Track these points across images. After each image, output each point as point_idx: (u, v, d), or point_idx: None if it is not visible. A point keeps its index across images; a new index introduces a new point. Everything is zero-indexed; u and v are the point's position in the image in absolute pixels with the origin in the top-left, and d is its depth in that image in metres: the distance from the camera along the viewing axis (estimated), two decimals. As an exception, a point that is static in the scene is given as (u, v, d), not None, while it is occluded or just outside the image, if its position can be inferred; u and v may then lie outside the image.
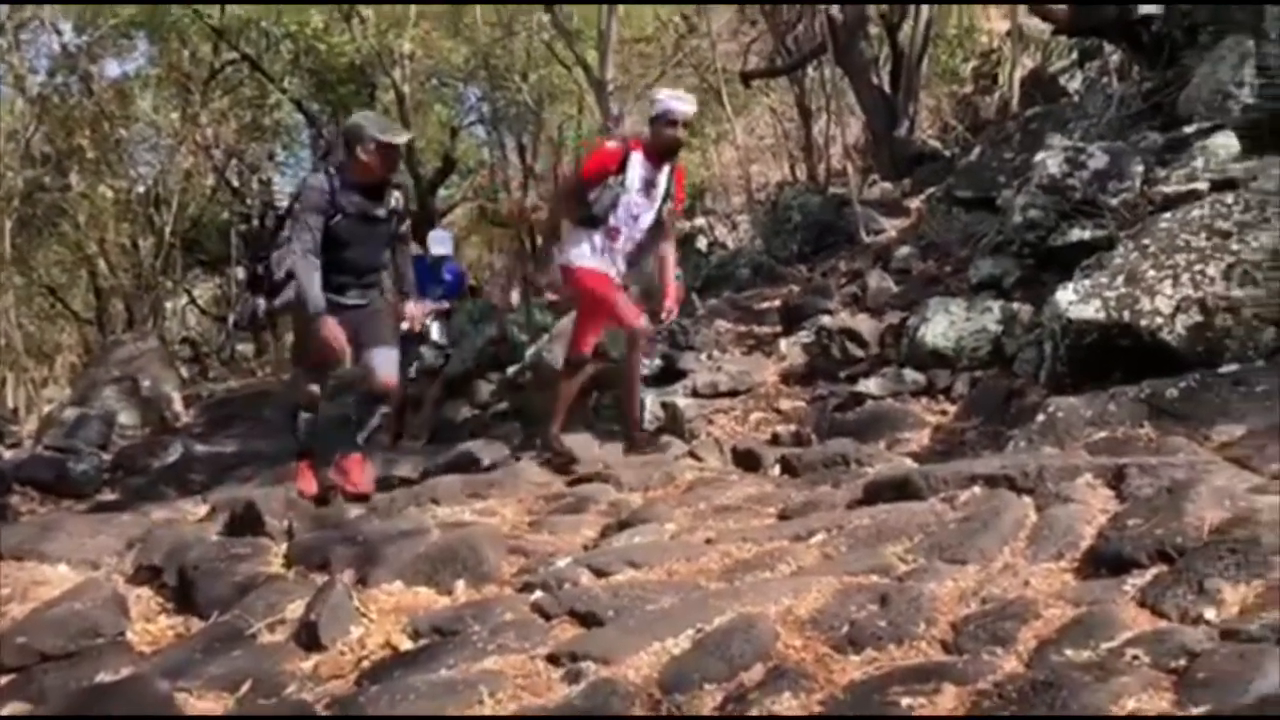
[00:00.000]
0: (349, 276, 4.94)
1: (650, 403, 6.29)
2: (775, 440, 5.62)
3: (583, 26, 14.84)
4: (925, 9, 11.23)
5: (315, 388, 5.23)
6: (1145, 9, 7.66)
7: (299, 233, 4.77)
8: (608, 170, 5.25)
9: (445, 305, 8.74)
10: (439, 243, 9.08)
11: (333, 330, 4.76)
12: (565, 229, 5.59)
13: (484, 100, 19.24)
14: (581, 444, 5.99)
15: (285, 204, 5.24)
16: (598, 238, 5.35)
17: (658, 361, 6.83)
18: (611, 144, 5.45)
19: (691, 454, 5.60)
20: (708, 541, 3.87)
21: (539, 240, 20.64)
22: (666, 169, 5.36)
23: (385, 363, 5.04)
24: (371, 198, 4.89)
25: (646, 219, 5.37)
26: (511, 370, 8.79)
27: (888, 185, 11.47)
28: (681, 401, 6.18)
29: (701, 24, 17.98)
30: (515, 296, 18.16)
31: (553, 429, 5.65)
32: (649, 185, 5.31)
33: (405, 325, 5.40)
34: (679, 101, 5.31)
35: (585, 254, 5.37)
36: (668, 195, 5.41)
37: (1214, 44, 6.35)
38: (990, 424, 5.11)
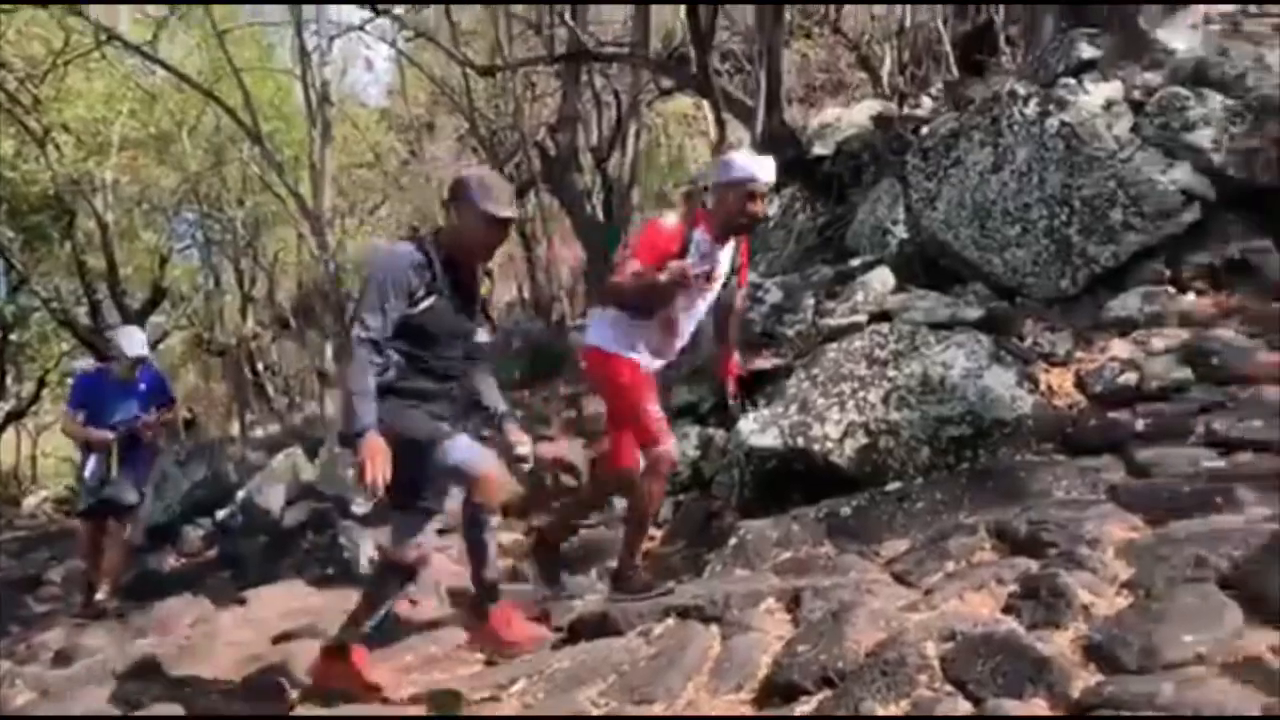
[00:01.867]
0: (431, 382, 3.74)
1: (367, 545, 6.15)
2: (491, 577, 5.61)
3: (299, 154, 14.69)
4: (630, 145, 11.88)
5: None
6: (819, 150, 8.46)
7: (367, 313, 3.52)
8: (669, 255, 4.16)
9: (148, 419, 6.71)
10: (132, 340, 6.68)
11: (376, 454, 3.42)
12: (601, 311, 4.44)
13: (196, 227, 18.55)
14: (284, 593, 5.77)
15: None
16: (651, 333, 4.33)
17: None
18: (669, 220, 4.31)
19: (408, 599, 5.50)
20: (410, 699, 3.80)
21: (260, 367, 19.94)
22: (732, 244, 4.38)
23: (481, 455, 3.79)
24: (468, 281, 3.78)
25: (705, 305, 4.43)
26: (222, 514, 8.36)
27: (606, 308, 11.87)
28: (397, 542, 6.07)
29: (424, 151, 18.22)
30: (235, 427, 17.31)
31: (631, 558, 4.39)
32: (711, 266, 4.32)
33: (523, 452, 4.08)
34: (759, 167, 4.20)
35: (627, 344, 4.32)
36: (733, 272, 4.48)
37: (874, 184, 7.06)
38: (693, 547, 5.32)
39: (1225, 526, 3.48)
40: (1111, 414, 4.76)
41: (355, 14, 10.84)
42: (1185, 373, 4.76)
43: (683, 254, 4.18)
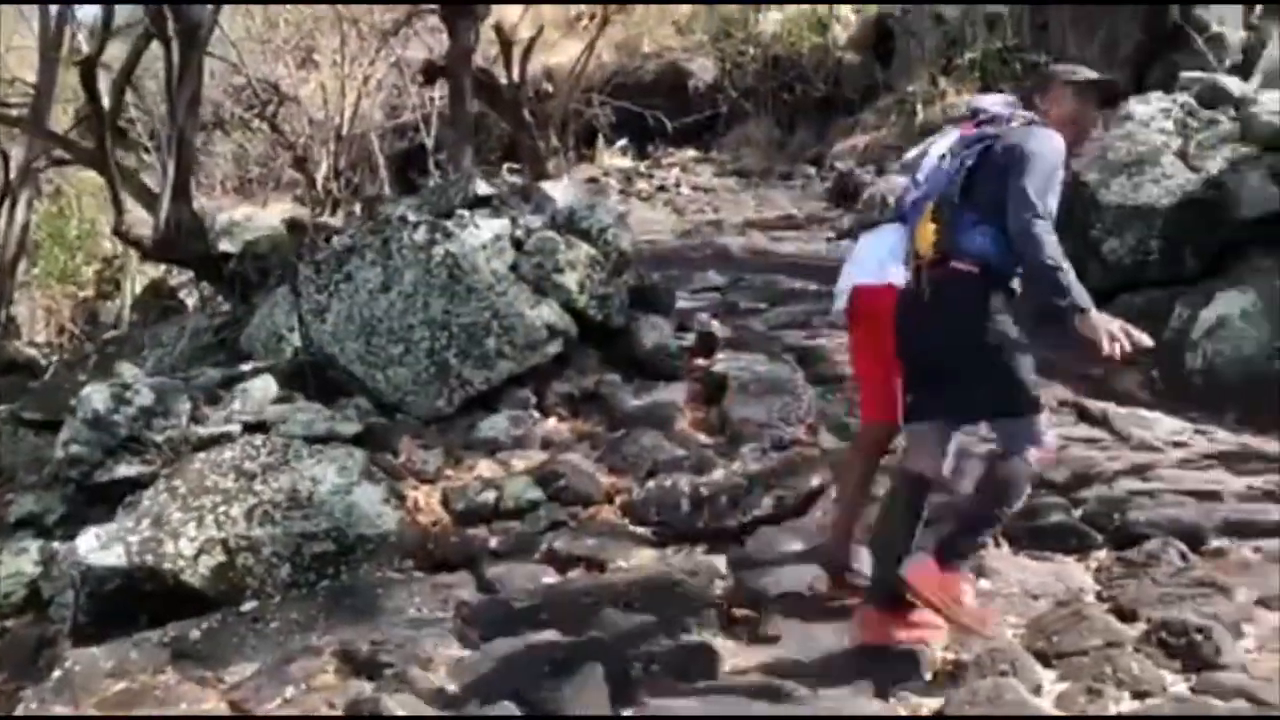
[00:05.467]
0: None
1: None
2: None
3: None
4: (20, 215, 10.65)
5: None
6: (226, 246, 8.17)
7: (1046, 197, 3.26)
8: None
9: None
10: None
11: (1114, 323, 3.17)
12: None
13: None
14: None
15: None
16: None
17: None
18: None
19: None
20: None
21: None
22: None
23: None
24: None
25: None
26: None
27: (-31, 396, 10.34)
28: None
29: None
30: None
31: (842, 547, 4.04)
32: None
33: None
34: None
35: None
36: None
37: (276, 288, 6.92)
38: (18, 679, 4.68)
39: (540, 643, 3.77)
40: (470, 531, 5.01)
41: None
42: (538, 493, 5.15)
43: None
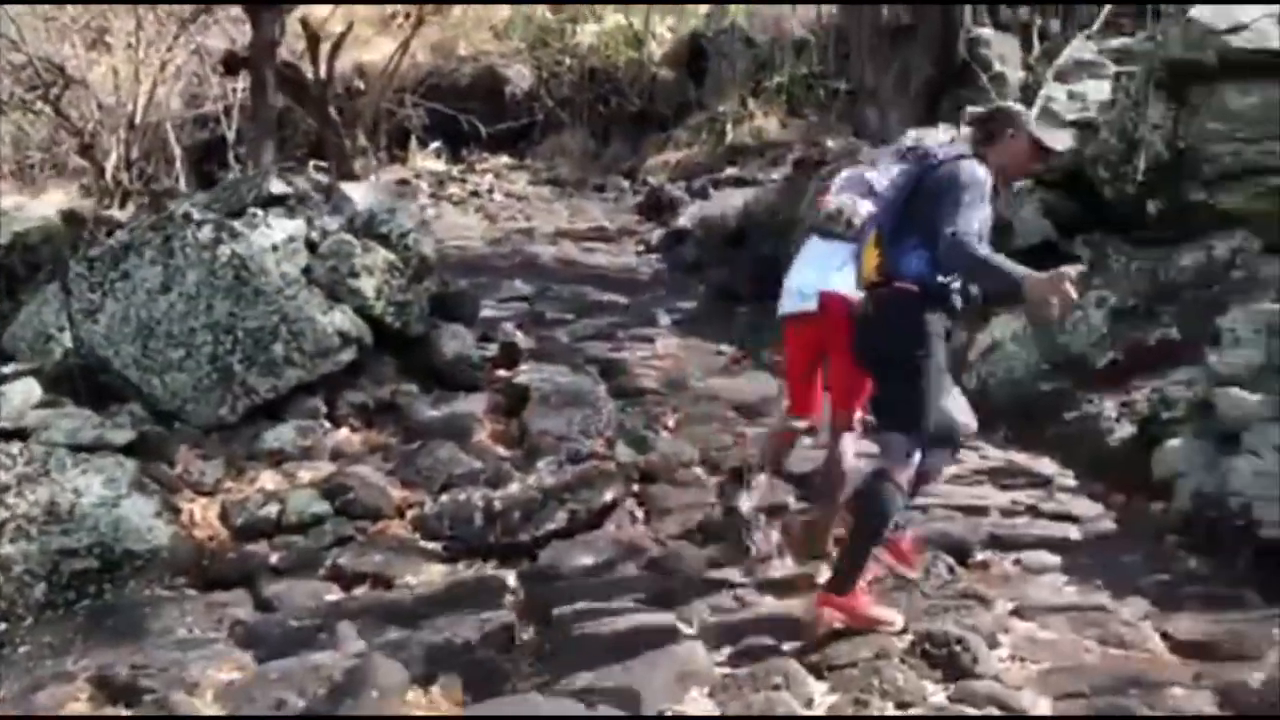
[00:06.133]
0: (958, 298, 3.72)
1: None
2: None
3: None
4: None
5: None
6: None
7: (966, 219, 3.46)
8: None
9: None
10: None
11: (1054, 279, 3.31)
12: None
13: None
14: None
15: None
16: None
17: None
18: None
19: None
20: None
21: None
22: None
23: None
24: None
25: None
26: None
27: None
28: None
29: None
30: None
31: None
32: None
33: None
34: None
35: None
36: None
37: (47, 285, 6.45)
38: None
39: (317, 664, 3.63)
40: (250, 546, 4.79)
41: None
42: (324, 506, 4.97)
43: None
